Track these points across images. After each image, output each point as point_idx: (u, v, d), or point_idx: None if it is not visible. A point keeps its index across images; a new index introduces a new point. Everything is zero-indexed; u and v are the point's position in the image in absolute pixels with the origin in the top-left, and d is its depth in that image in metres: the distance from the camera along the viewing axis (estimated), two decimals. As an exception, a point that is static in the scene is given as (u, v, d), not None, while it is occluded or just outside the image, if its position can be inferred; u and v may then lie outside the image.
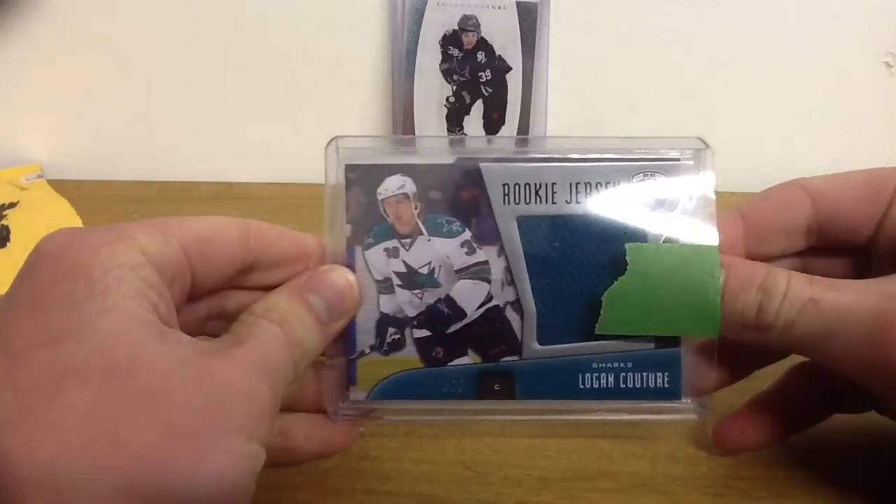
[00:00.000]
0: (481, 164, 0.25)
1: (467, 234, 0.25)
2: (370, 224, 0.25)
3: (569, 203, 0.25)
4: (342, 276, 0.23)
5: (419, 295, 0.25)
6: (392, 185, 0.25)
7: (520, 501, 0.27)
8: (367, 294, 0.25)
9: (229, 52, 0.51)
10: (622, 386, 0.25)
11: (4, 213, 0.47)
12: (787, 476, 0.28)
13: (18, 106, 0.53)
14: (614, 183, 0.25)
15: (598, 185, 0.25)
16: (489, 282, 0.25)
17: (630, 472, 0.28)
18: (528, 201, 0.25)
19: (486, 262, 0.25)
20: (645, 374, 0.25)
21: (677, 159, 0.25)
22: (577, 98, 0.51)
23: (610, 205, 0.25)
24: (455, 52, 0.49)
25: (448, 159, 0.25)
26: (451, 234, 0.25)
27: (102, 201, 0.48)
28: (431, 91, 0.50)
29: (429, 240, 0.25)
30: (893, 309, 0.21)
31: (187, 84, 0.52)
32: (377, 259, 0.24)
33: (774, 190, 0.26)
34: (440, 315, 0.25)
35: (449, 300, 0.25)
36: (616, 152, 0.25)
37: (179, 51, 0.51)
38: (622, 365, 0.25)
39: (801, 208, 0.25)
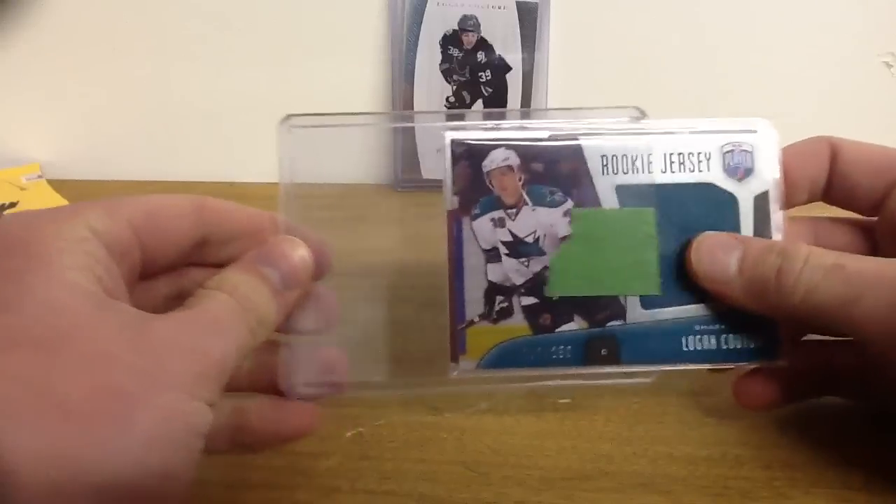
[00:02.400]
0: (581, 138, 0.26)
1: (569, 204, 0.26)
2: (476, 195, 0.26)
3: (664, 172, 0.26)
4: (295, 247, 0.23)
5: (525, 263, 0.26)
6: (497, 158, 0.26)
7: (520, 501, 0.27)
8: (475, 263, 0.26)
9: (229, 53, 0.51)
10: (723, 347, 0.26)
11: (4, 213, 0.47)
12: (787, 476, 0.28)
13: (18, 106, 0.54)
14: (705, 153, 0.26)
15: (691, 155, 0.26)
16: None
17: (630, 472, 0.28)
18: (625, 171, 0.26)
19: None
20: (745, 335, 0.26)
21: (755, 131, 0.27)
22: (577, 98, 0.51)
23: (702, 173, 0.26)
24: (455, 52, 0.49)
25: (543, 134, 0.26)
26: (554, 204, 0.26)
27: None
28: (431, 91, 0.50)
29: (533, 209, 0.26)
30: None
31: (188, 84, 0.52)
32: (484, 229, 0.26)
33: (803, 144, 0.28)
34: (546, 282, 0.26)
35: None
36: (697, 127, 0.27)
37: (180, 51, 0.51)
38: (723, 327, 0.26)
39: (824, 157, 0.28)
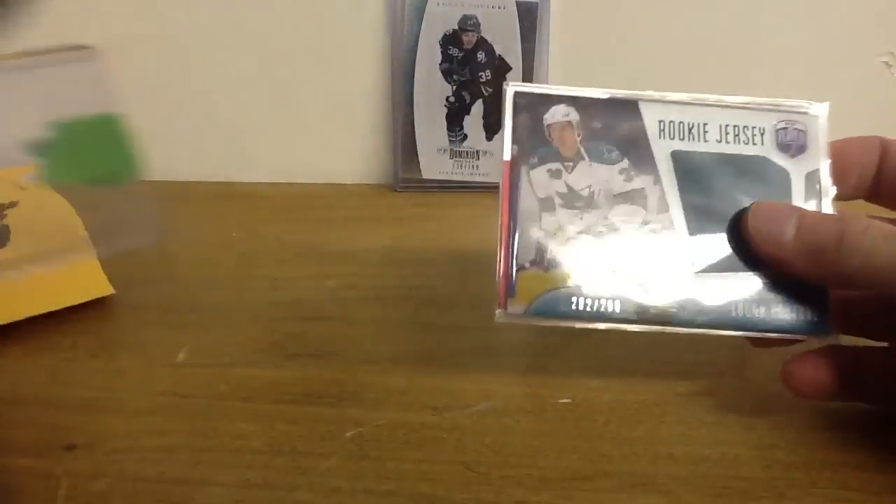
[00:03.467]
0: (640, 101, 0.27)
1: (625, 163, 0.27)
2: (535, 146, 0.27)
3: (719, 142, 0.27)
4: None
5: (579, 215, 0.26)
6: (558, 112, 0.27)
7: (520, 501, 0.27)
8: (531, 210, 0.26)
9: (230, 54, 0.51)
10: (773, 318, 0.26)
11: (4, 212, 0.47)
12: (787, 476, 0.28)
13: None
14: (759, 127, 0.27)
15: (746, 129, 0.27)
16: (645, 208, 0.27)
17: (630, 472, 0.28)
18: (682, 138, 0.27)
19: (642, 189, 0.27)
20: (796, 307, 0.26)
21: (807, 112, 0.28)
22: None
23: (756, 146, 0.27)
24: (455, 52, 0.49)
25: (604, 95, 0.27)
26: (610, 162, 0.27)
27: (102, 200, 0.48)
28: (431, 91, 0.50)
29: (590, 164, 0.27)
30: None
31: (189, 85, 0.52)
32: (541, 178, 0.26)
33: (856, 137, 0.29)
34: (599, 235, 0.26)
35: (608, 221, 0.27)
36: (753, 103, 0.28)
37: (181, 52, 0.51)
38: (774, 297, 0.26)
39: (874, 156, 0.29)
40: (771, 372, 0.33)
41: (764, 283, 0.26)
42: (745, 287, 0.26)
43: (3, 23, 0.48)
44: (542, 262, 0.26)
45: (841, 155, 0.28)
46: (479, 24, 0.49)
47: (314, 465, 0.28)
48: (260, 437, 0.30)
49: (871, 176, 0.29)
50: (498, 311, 0.26)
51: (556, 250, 0.26)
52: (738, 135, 0.27)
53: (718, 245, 0.27)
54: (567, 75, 0.50)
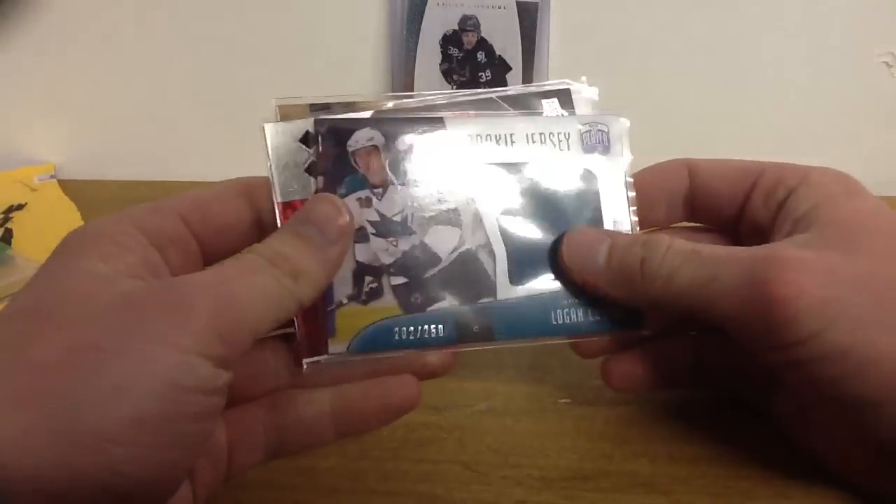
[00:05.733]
0: (445, 118, 0.26)
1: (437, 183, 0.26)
2: (342, 175, 0.25)
3: (528, 149, 0.27)
4: (327, 200, 0.23)
5: (394, 242, 0.25)
6: (362, 138, 0.25)
7: (520, 501, 0.27)
8: None
9: (231, 55, 0.51)
10: (590, 319, 0.27)
11: (11, 215, 0.47)
12: (787, 476, 0.28)
13: (34, 106, 0.54)
14: (565, 132, 0.27)
15: (552, 135, 0.27)
16: (461, 226, 0.26)
17: (630, 472, 0.28)
18: (491, 151, 0.27)
19: (455, 209, 0.26)
20: (610, 307, 0.27)
21: (617, 115, 0.28)
22: (577, 98, 0.51)
23: (563, 152, 0.27)
24: (455, 52, 0.49)
25: (410, 114, 0.26)
26: (413, 184, 0.26)
27: (104, 202, 0.48)
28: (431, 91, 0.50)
29: (399, 188, 0.25)
30: (770, 255, 0.23)
31: (191, 86, 0.52)
32: (351, 209, 0.24)
33: (661, 164, 0.30)
34: (415, 261, 0.25)
35: (423, 246, 0.25)
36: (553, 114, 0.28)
37: (183, 54, 0.52)
38: (589, 300, 0.27)
39: (682, 180, 0.29)
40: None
41: (578, 289, 0.26)
42: (562, 294, 0.26)
43: (3, 22, 0.48)
44: (359, 295, 0.25)
45: (646, 186, 0.28)
46: (479, 24, 0.49)
47: (314, 465, 0.28)
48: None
49: (681, 201, 0.29)
50: (306, 362, 0.24)
51: (373, 282, 0.25)
52: (544, 142, 0.27)
53: (534, 255, 0.26)
54: (567, 75, 0.50)
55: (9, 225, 0.46)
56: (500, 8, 0.48)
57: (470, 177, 0.26)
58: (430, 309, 0.25)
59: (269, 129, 0.25)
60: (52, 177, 0.52)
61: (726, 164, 0.29)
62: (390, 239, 0.25)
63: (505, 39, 0.49)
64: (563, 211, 0.27)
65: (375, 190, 0.25)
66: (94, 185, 0.52)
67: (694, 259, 0.24)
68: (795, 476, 0.28)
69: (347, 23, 0.50)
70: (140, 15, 0.51)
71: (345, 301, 0.25)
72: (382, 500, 0.27)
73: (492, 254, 0.26)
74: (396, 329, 0.25)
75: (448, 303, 0.25)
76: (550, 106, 0.28)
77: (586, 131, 0.28)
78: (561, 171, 0.27)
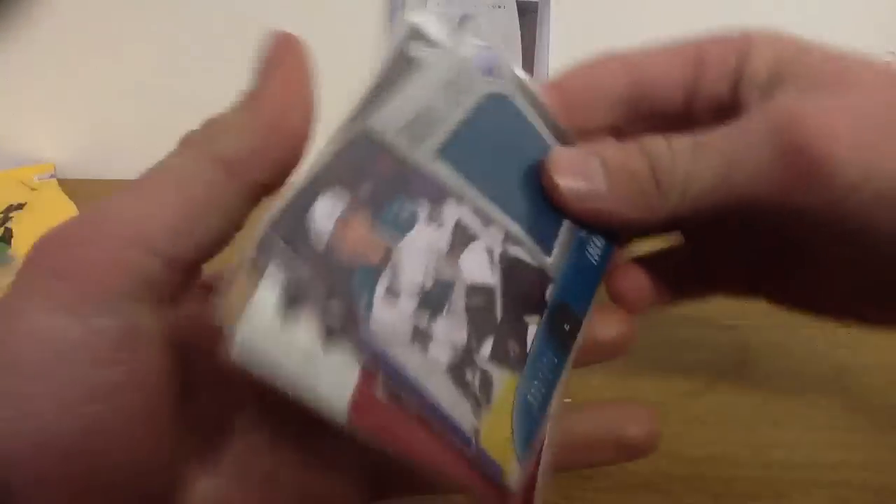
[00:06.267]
0: (368, 129, 0.19)
1: (421, 208, 0.19)
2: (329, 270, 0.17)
3: (453, 110, 0.21)
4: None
5: (444, 311, 0.19)
6: (323, 216, 0.17)
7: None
8: (414, 364, 0.18)
9: (231, 55, 0.51)
10: (597, 249, 0.23)
11: (11, 214, 0.47)
12: (786, 476, 0.28)
13: (34, 106, 0.54)
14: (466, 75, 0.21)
15: (453, 83, 0.21)
16: (478, 236, 0.20)
17: (630, 472, 0.28)
18: (426, 132, 0.20)
19: (458, 220, 0.19)
20: (598, 229, 0.23)
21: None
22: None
23: (468, 93, 0.21)
24: (455, 52, 0.49)
25: (337, 146, 0.19)
26: (410, 224, 0.19)
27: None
28: (432, 91, 0.50)
29: (399, 248, 0.18)
30: (781, 115, 0.20)
31: (191, 86, 0.52)
32: (385, 318, 0.17)
33: (590, 61, 0.25)
34: (480, 314, 0.19)
35: (472, 288, 0.19)
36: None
37: (184, 53, 0.52)
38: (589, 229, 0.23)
39: (618, 76, 0.24)
40: (771, 372, 0.33)
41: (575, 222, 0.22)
42: (582, 235, 0.22)
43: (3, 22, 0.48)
44: (478, 401, 0.18)
45: (578, 89, 0.24)
46: (479, 24, 0.49)
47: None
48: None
49: (619, 100, 0.24)
50: None
51: (472, 371, 0.18)
52: (456, 92, 0.21)
53: (545, 217, 0.21)
54: (568, 75, 0.50)
55: (8, 224, 0.46)
56: (500, 8, 0.48)
57: (438, 174, 0.19)
58: (529, 349, 0.20)
59: None
60: (52, 176, 0.52)
61: (662, 50, 0.25)
62: (441, 313, 0.18)
63: (505, 39, 0.49)
64: (517, 149, 0.22)
65: (380, 272, 0.18)
66: (94, 185, 0.52)
67: (704, 152, 0.20)
68: (795, 476, 0.28)
69: (347, 23, 0.50)
70: (140, 15, 0.51)
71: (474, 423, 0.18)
72: (383, 500, 0.27)
73: (516, 241, 0.20)
74: (528, 396, 0.19)
75: (534, 322, 0.20)
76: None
77: (476, 55, 0.22)
78: (489, 110, 0.21)
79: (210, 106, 0.54)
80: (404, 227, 0.18)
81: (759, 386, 0.32)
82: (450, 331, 0.18)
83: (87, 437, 0.15)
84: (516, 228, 0.20)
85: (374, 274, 0.17)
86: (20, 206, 0.48)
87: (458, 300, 0.19)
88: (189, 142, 0.19)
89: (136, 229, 0.16)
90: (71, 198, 0.49)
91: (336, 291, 0.16)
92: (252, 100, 0.19)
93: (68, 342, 0.15)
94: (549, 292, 0.21)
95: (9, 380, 0.14)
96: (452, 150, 0.20)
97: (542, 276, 0.21)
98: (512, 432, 0.19)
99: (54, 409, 0.14)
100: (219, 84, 0.52)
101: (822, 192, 0.19)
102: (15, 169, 0.52)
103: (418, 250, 0.18)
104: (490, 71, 0.22)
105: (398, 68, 0.21)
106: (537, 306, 0.21)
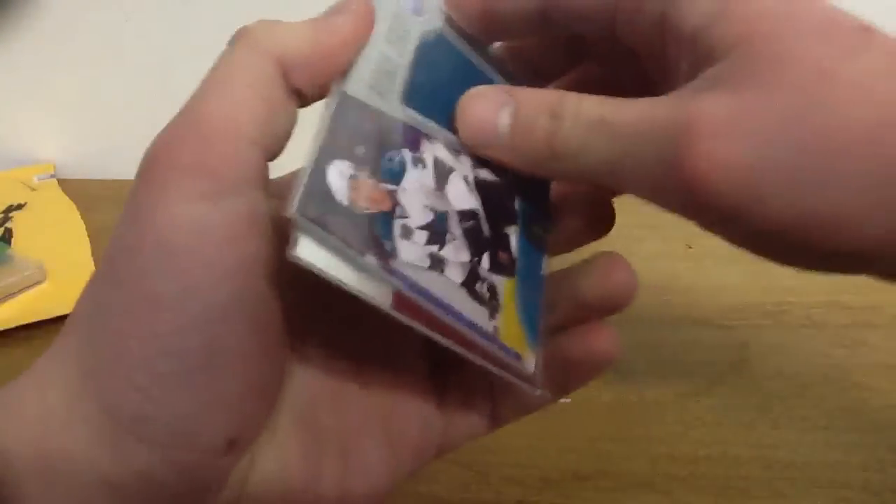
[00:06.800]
0: (344, 88, 0.20)
1: (404, 154, 0.21)
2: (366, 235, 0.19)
3: (401, 55, 0.22)
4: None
5: (451, 237, 0.22)
6: (336, 181, 0.19)
7: (520, 501, 0.27)
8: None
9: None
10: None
11: (11, 214, 0.47)
12: (787, 476, 0.28)
13: (34, 106, 0.54)
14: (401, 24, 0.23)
15: (393, 31, 0.22)
16: (453, 169, 0.22)
17: (630, 472, 0.28)
18: (387, 83, 0.21)
19: (437, 160, 0.22)
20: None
21: None
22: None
23: (405, 42, 0.22)
24: (455, 52, 0.49)
25: (330, 110, 0.20)
26: (401, 170, 0.21)
27: (104, 201, 0.48)
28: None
29: (405, 190, 0.21)
30: (678, 120, 0.18)
31: (191, 86, 0.52)
32: (411, 252, 0.20)
33: None
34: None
35: (462, 213, 0.22)
36: None
37: (183, 53, 0.52)
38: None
39: None
40: (771, 372, 0.33)
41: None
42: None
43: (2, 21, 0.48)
44: (489, 304, 0.21)
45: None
46: None
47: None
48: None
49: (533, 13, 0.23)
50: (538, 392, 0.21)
51: (483, 281, 0.22)
52: (398, 40, 0.22)
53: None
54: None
55: (8, 224, 0.46)
56: (500, 7, 0.48)
57: (408, 117, 0.22)
58: (515, 254, 0.23)
59: None
60: (51, 176, 0.52)
61: None
62: (449, 239, 0.21)
63: (505, 39, 0.49)
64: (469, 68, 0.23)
65: (398, 218, 0.20)
66: (94, 185, 0.52)
67: (603, 131, 0.20)
68: (795, 476, 0.28)
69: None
70: (140, 14, 0.51)
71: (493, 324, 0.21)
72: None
73: (480, 163, 0.23)
74: (525, 293, 0.22)
75: (512, 231, 0.23)
76: None
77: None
78: (430, 50, 0.23)
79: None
80: (398, 174, 0.21)
81: (759, 386, 0.32)
82: (456, 253, 0.21)
83: (228, 312, 0.17)
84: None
85: (389, 219, 0.20)
86: (20, 206, 0.48)
87: (455, 227, 0.22)
88: (246, 37, 0.20)
89: (236, 124, 0.18)
90: (71, 198, 0.49)
91: (366, 237, 0.19)
92: (312, 20, 0.21)
93: (208, 225, 0.17)
94: (517, 202, 0.23)
95: (166, 259, 0.16)
96: (413, 95, 0.22)
97: (507, 190, 0.23)
98: (520, 325, 0.22)
99: (209, 282, 0.17)
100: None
101: (702, 213, 0.19)
102: (15, 169, 0.52)
103: (415, 192, 0.21)
104: (419, 10, 0.23)
105: None
106: (511, 217, 0.23)
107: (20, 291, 0.39)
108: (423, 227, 0.21)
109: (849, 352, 0.33)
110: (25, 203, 0.48)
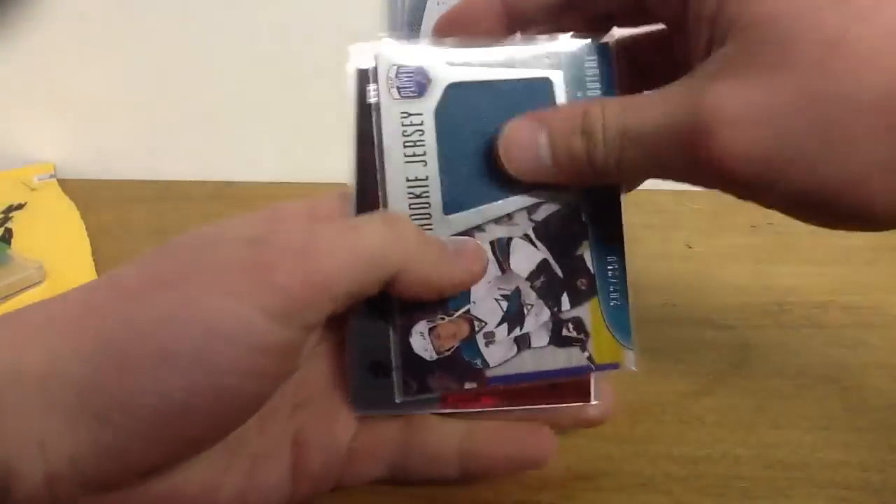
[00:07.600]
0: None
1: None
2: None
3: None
4: (476, 242, 0.23)
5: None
6: (418, 339, 0.24)
7: (520, 501, 0.27)
8: None
9: (231, 55, 0.51)
10: None
11: (11, 214, 0.47)
12: (787, 476, 0.28)
13: (34, 106, 0.54)
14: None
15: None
16: (511, 237, 0.24)
17: (630, 471, 0.28)
18: (424, 193, 0.24)
19: (493, 244, 0.24)
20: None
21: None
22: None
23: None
24: (455, 52, 0.49)
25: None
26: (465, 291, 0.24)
27: (104, 201, 0.48)
28: (432, 91, 0.50)
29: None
30: (694, 117, 0.20)
31: (191, 85, 0.52)
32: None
33: None
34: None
35: (532, 275, 0.24)
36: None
37: (183, 53, 0.52)
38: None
39: None
40: (771, 372, 0.33)
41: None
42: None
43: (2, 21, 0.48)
44: (578, 340, 0.24)
45: None
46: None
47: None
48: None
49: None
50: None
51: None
52: (414, 132, 0.24)
53: (470, 181, 0.24)
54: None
55: (8, 224, 0.46)
56: None
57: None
58: (593, 271, 0.25)
59: None
60: (52, 176, 0.52)
61: None
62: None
63: (505, 39, 0.49)
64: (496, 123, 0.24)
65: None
66: (94, 185, 0.51)
67: (633, 141, 0.21)
68: (795, 476, 0.28)
69: (348, 22, 0.50)
70: (140, 14, 0.51)
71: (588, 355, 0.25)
72: (381, 499, 0.27)
73: (534, 207, 0.24)
74: (610, 302, 0.25)
75: (585, 248, 0.25)
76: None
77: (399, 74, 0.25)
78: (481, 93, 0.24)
79: (209, 107, 0.54)
80: (465, 293, 0.23)
81: (759, 386, 0.32)
82: (536, 319, 0.23)
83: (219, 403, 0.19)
84: (529, 199, 0.24)
85: (473, 343, 0.23)
86: (20, 206, 0.48)
87: (528, 294, 0.23)
88: (394, 224, 0.22)
89: (334, 273, 0.20)
90: (71, 198, 0.49)
91: (462, 372, 0.23)
92: (444, 247, 0.23)
93: (249, 334, 0.19)
94: (583, 213, 0.24)
95: (207, 348, 0.18)
96: (450, 200, 0.23)
97: (571, 209, 0.24)
98: (611, 332, 0.24)
99: (231, 376, 0.19)
100: (218, 85, 0.53)
101: (735, 192, 0.20)
102: (15, 169, 0.52)
103: (484, 296, 0.23)
104: (422, 90, 0.24)
105: (366, 116, 0.25)
106: (581, 233, 0.24)
107: (20, 292, 0.39)
108: (500, 323, 0.23)
109: (849, 352, 0.33)
110: (25, 203, 0.48)
